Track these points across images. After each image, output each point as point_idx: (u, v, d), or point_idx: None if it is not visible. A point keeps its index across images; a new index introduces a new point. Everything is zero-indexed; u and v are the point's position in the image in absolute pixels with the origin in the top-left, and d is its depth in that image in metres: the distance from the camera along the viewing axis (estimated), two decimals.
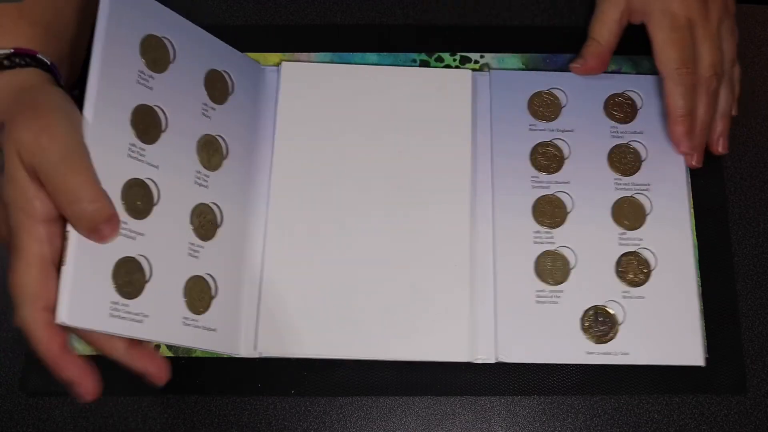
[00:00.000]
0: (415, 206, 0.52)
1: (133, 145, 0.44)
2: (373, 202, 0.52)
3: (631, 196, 0.52)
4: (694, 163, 0.52)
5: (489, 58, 0.57)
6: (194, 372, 0.51)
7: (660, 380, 0.50)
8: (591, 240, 0.51)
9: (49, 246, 0.38)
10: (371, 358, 0.50)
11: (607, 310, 0.50)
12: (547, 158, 0.53)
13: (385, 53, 0.57)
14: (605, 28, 0.53)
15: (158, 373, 0.42)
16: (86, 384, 0.39)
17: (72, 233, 0.39)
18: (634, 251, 0.51)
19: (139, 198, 0.43)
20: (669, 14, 0.50)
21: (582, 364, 0.50)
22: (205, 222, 0.48)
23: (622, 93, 0.55)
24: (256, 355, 0.50)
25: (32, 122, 0.38)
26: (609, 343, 0.49)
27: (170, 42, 0.47)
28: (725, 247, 0.53)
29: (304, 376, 0.51)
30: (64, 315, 0.38)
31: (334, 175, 0.52)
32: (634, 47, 0.57)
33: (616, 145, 0.53)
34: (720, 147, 0.53)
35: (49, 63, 0.43)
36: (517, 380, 0.50)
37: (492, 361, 0.49)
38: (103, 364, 0.51)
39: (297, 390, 0.50)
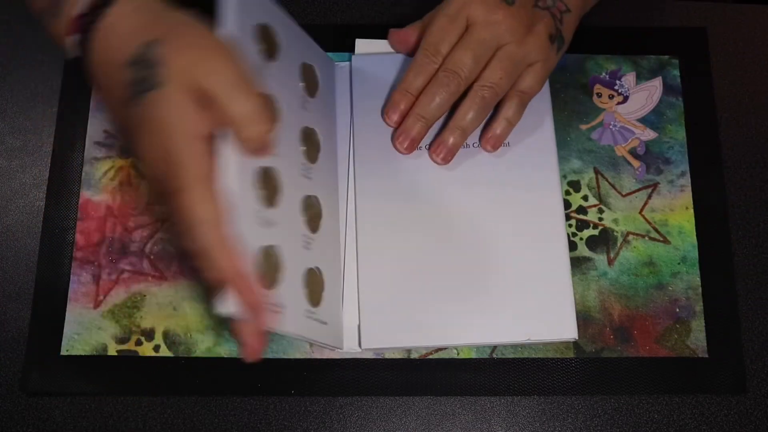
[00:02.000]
0: (501, 186, 0.52)
1: None
2: (459, 186, 0.52)
3: None
4: (404, 149, 0.51)
5: None
6: (194, 372, 0.51)
7: (660, 380, 0.50)
8: None
9: (209, 164, 0.36)
10: (477, 343, 0.50)
11: None
12: None
13: None
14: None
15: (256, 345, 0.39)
16: (259, 322, 0.38)
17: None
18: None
19: (269, 186, 0.43)
20: (457, 8, 0.49)
21: (579, 364, 0.50)
22: (313, 214, 0.48)
23: None
24: (358, 351, 0.50)
25: (199, 42, 0.37)
26: None
27: (276, 32, 0.47)
28: (725, 247, 0.53)
29: (304, 376, 0.51)
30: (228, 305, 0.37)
31: (417, 163, 0.52)
32: (634, 47, 0.58)
33: None
34: (489, 146, 0.52)
35: None
36: (517, 380, 0.50)
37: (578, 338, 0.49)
38: (102, 364, 0.51)
39: (297, 390, 0.50)
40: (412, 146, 0.51)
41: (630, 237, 0.53)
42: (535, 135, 0.52)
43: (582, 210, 0.54)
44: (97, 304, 0.52)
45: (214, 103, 0.36)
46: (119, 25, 0.38)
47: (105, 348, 0.51)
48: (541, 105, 0.53)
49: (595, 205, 0.54)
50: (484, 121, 0.51)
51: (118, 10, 0.38)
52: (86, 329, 0.52)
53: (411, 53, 0.53)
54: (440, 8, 0.51)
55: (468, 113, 0.50)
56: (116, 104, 0.37)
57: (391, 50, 0.55)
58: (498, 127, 0.51)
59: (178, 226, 0.36)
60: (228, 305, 0.37)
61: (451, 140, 0.50)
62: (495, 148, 0.52)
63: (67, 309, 0.52)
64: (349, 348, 0.50)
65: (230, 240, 0.36)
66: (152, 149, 0.36)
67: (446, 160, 0.51)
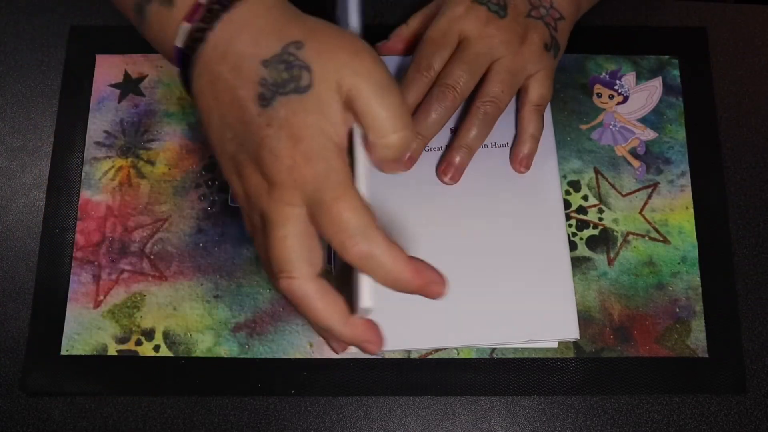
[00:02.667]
0: (501, 186, 0.51)
1: None
2: (458, 187, 0.51)
3: None
4: (404, 168, 0.49)
5: None
6: (194, 372, 0.51)
7: (660, 380, 0.50)
8: None
9: (350, 171, 0.35)
10: (478, 344, 0.50)
11: None
12: None
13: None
14: (419, 17, 0.54)
15: (377, 340, 0.38)
16: (375, 338, 0.37)
17: None
18: None
19: None
20: (449, 23, 0.49)
21: (579, 364, 0.50)
22: None
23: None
24: (358, 351, 0.50)
25: (343, 45, 0.35)
26: None
27: None
28: (725, 247, 0.53)
29: (304, 376, 0.51)
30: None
31: (416, 165, 0.51)
32: (634, 47, 0.58)
33: None
34: (523, 167, 0.52)
35: None
36: (517, 380, 0.50)
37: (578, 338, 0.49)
38: (102, 364, 0.51)
39: (297, 390, 0.50)
40: (410, 164, 0.51)
41: (630, 237, 0.53)
42: None
43: (582, 210, 0.54)
44: (97, 304, 0.52)
45: (355, 107, 0.35)
46: (254, 21, 0.36)
47: (105, 348, 0.51)
48: None
49: (595, 205, 0.54)
50: (488, 136, 0.51)
51: (251, 6, 0.37)
52: (86, 329, 0.52)
53: (403, 53, 0.54)
54: (431, 23, 0.51)
55: (471, 130, 0.50)
56: (241, 101, 0.35)
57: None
58: (525, 147, 0.51)
59: (332, 237, 0.34)
60: (369, 300, 0.36)
61: (457, 159, 0.50)
62: (528, 167, 0.52)
63: (67, 309, 0.52)
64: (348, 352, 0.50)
65: (392, 242, 0.35)
66: (288, 154, 0.34)
67: (455, 180, 0.51)
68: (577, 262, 0.53)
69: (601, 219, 0.54)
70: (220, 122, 0.36)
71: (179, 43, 0.37)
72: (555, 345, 0.51)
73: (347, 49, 0.35)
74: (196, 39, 0.36)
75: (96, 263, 0.53)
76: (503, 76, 0.49)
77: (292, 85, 0.34)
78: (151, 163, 0.55)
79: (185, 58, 0.37)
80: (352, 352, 0.51)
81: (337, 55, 0.35)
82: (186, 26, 0.36)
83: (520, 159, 0.51)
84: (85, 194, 0.55)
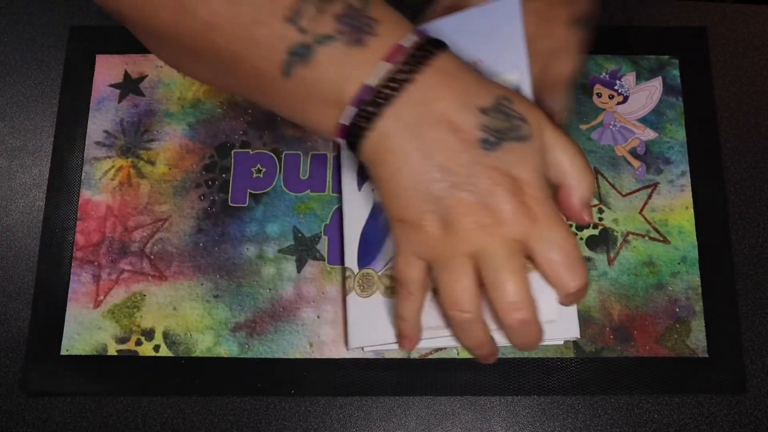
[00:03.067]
0: None
1: None
2: None
3: None
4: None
5: None
6: (194, 372, 0.51)
7: (660, 380, 0.50)
8: None
9: None
10: None
11: None
12: None
13: None
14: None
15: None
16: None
17: None
18: None
19: None
20: None
21: (579, 363, 0.50)
22: None
23: None
24: (359, 351, 0.50)
25: (538, 107, 0.38)
26: None
27: None
28: (725, 247, 0.53)
29: (304, 376, 0.51)
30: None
31: None
32: (634, 47, 0.58)
33: None
34: None
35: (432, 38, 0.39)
36: (517, 380, 0.50)
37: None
38: (102, 364, 0.51)
39: (297, 390, 0.50)
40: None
41: (630, 237, 0.53)
42: None
43: None
44: (97, 304, 0.52)
45: (556, 160, 0.38)
46: (460, 73, 0.38)
47: (105, 348, 0.51)
48: None
49: (595, 205, 0.54)
50: None
51: (453, 59, 0.38)
52: (86, 329, 0.52)
53: None
54: None
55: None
56: (462, 144, 0.37)
57: None
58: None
59: (552, 267, 0.37)
60: (554, 312, 0.40)
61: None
62: None
63: (67, 309, 0.52)
64: (347, 353, 0.50)
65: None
66: (521, 194, 0.37)
67: None
68: None
69: (601, 219, 0.54)
70: (423, 163, 0.36)
71: (372, 81, 0.36)
72: (560, 342, 0.50)
73: (542, 110, 0.38)
74: (397, 80, 0.36)
75: (96, 263, 0.53)
76: None
77: (514, 134, 0.37)
78: (151, 163, 0.55)
79: (373, 99, 0.36)
80: (352, 353, 0.51)
81: (538, 112, 0.38)
82: (386, 66, 0.36)
83: None
84: (85, 194, 0.55)
